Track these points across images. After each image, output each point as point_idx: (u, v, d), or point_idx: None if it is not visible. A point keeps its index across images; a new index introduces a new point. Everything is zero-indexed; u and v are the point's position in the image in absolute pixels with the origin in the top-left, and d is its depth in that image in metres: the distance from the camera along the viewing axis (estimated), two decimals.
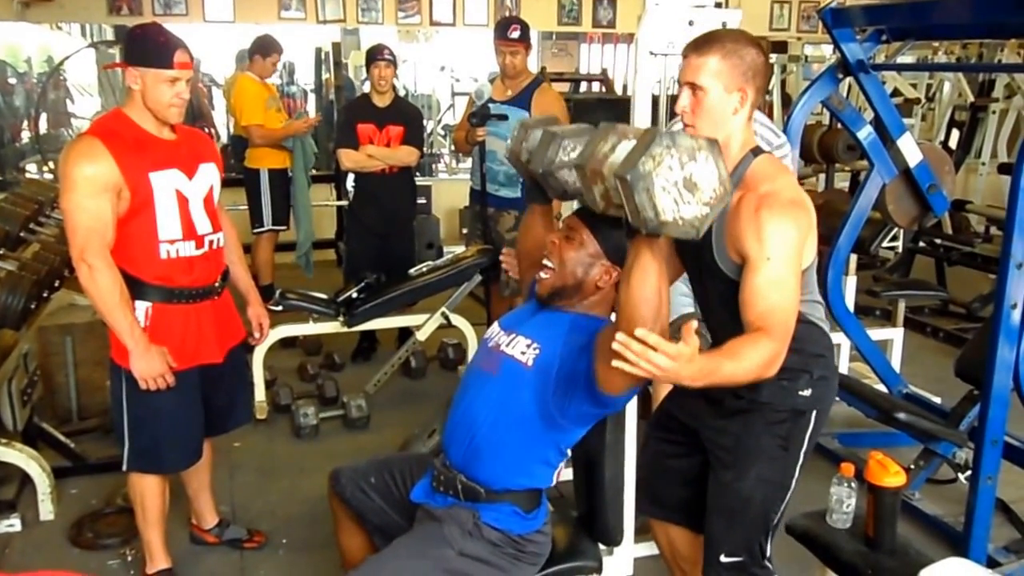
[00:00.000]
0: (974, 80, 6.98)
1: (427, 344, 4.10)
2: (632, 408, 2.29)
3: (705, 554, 1.95)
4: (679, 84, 1.80)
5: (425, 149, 5.09)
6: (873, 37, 3.11)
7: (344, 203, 5.50)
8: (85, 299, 2.74)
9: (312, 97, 7.99)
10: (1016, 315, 2.39)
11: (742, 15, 2.24)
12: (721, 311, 1.82)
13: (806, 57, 6.62)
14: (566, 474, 2.01)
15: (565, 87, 6.95)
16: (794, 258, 1.67)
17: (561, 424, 1.80)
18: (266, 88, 4.85)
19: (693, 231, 1.47)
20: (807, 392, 1.84)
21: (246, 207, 4.90)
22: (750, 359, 1.57)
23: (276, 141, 4.81)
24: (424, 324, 3.92)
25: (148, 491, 2.44)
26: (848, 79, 3.24)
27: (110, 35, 7.35)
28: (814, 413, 1.87)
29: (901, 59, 4.41)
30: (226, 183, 2.54)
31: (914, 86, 6.84)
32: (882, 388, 3.51)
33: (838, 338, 3.56)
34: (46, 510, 2.94)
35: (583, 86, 7.47)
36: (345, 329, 3.83)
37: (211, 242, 2.37)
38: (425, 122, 5.79)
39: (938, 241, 5.57)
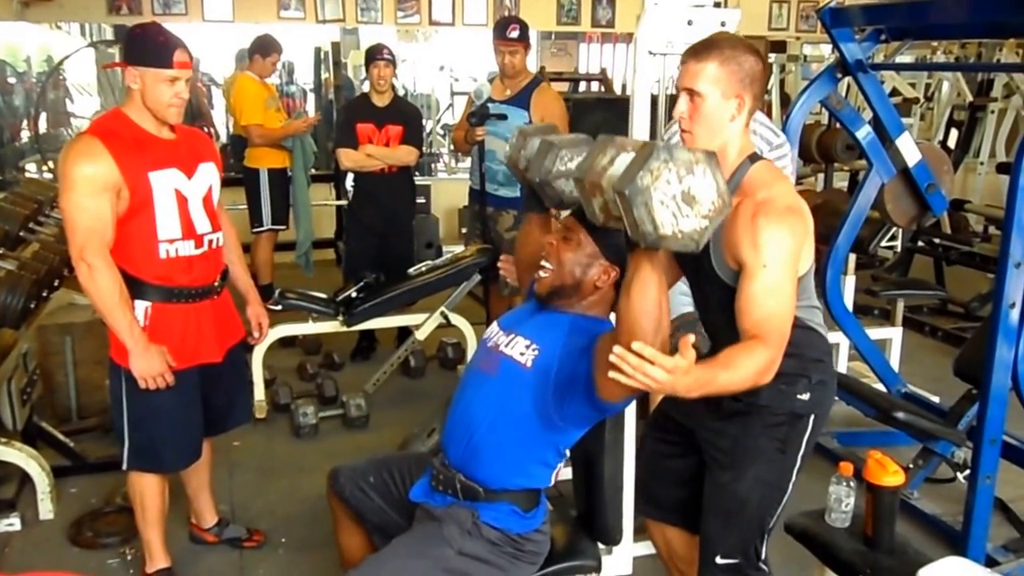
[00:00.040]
0: (973, 80, 6.98)
1: (426, 343, 4.10)
2: (631, 407, 2.29)
3: (700, 555, 1.96)
4: (677, 89, 1.80)
5: (424, 149, 5.10)
6: (872, 37, 3.11)
7: (343, 203, 5.49)
8: (84, 298, 2.75)
9: (311, 97, 7.99)
10: (1014, 314, 2.40)
11: (741, 14, 2.24)
12: (719, 316, 1.82)
13: (805, 57, 6.63)
14: (565, 473, 2.01)
15: (564, 87, 6.96)
16: (790, 265, 1.67)
17: (559, 425, 1.81)
18: (266, 88, 4.85)
19: (692, 244, 1.48)
20: (805, 396, 1.84)
21: (245, 207, 4.90)
22: (745, 368, 1.58)
23: (275, 141, 4.81)
24: (423, 323, 3.92)
25: (147, 490, 2.45)
26: (847, 79, 3.24)
27: (109, 35, 7.34)
28: (812, 417, 1.87)
29: (900, 59, 4.42)
30: (225, 183, 2.54)
31: (913, 86, 6.85)
32: (881, 387, 3.51)
33: (837, 337, 3.57)
34: (46, 509, 2.94)
35: (582, 86, 7.48)
36: (344, 328, 3.83)
37: (210, 241, 2.37)
38: (424, 122, 5.80)
39: (937, 240, 5.57)
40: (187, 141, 2.37)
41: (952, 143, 6.91)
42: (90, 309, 3.07)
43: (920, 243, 5.73)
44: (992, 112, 6.66)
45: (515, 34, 3.79)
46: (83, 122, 6.81)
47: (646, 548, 2.53)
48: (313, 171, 5.30)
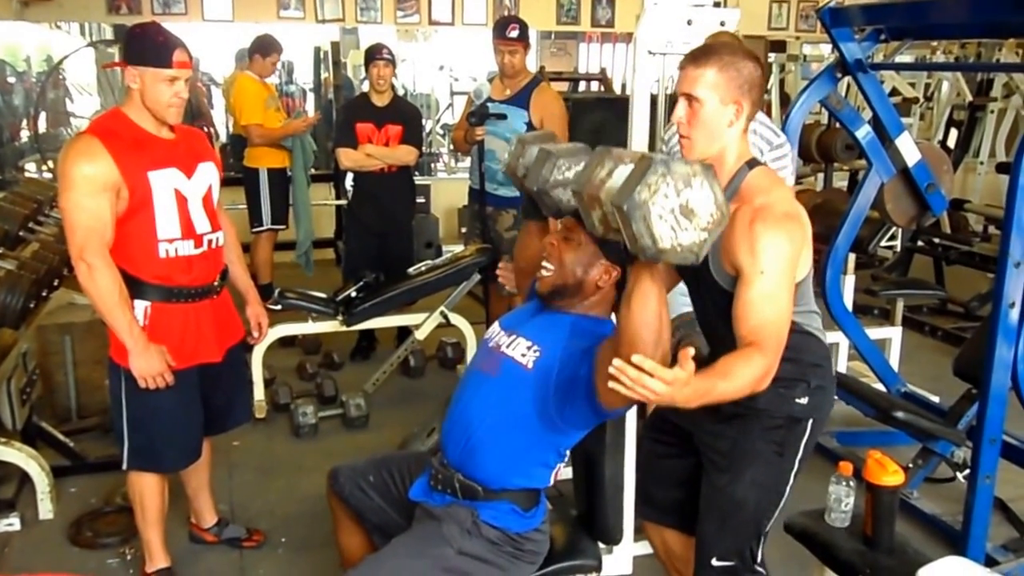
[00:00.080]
0: (972, 79, 6.98)
1: (426, 343, 4.10)
2: (632, 407, 2.29)
3: (697, 557, 1.96)
4: (676, 94, 1.80)
5: (424, 148, 5.09)
6: (871, 36, 3.11)
7: (343, 202, 5.50)
8: (84, 298, 2.74)
9: (311, 96, 7.99)
10: (1014, 314, 2.40)
11: (740, 14, 2.24)
12: (718, 322, 1.82)
13: (804, 56, 6.63)
14: (565, 473, 2.01)
15: (564, 86, 6.96)
16: (787, 272, 1.67)
17: (560, 427, 1.81)
18: (265, 87, 4.85)
19: (692, 256, 1.48)
20: (804, 400, 1.85)
21: (245, 206, 4.90)
22: (742, 376, 1.59)
23: (275, 140, 4.81)
24: (423, 323, 3.92)
25: (147, 490, 2.45)
26: (846, 78, 3.24)
27: (109, 34, 7.34)
28: (810, 421, 1.87)
29: (899, 58, 4.41)
30: (225, 182, 2.54)
31: (912, 85, 6.84)
32: (880, 387, 3.51)
33: (836, 337, 3.57)
34: (45, 509, 2.94)
35: (582, 85, 7.48)
36: (344, 328, 3.83)
37: (210, 241, 2.37)
38: (424, 121, 5.79)
39: (936, 240, 5.57)
40: (186, 141, 2.37)
41: (952, 143, 6.91)
42: (90, 309, 3.07)
43: (920, 243, 5.73)
44: (992, 112, 6.67)
45: (515, 34, 3.79)
46: (83, 122, 6.80)
47: (646, 548, 2.52)
48: (313, 171, 5.30)
